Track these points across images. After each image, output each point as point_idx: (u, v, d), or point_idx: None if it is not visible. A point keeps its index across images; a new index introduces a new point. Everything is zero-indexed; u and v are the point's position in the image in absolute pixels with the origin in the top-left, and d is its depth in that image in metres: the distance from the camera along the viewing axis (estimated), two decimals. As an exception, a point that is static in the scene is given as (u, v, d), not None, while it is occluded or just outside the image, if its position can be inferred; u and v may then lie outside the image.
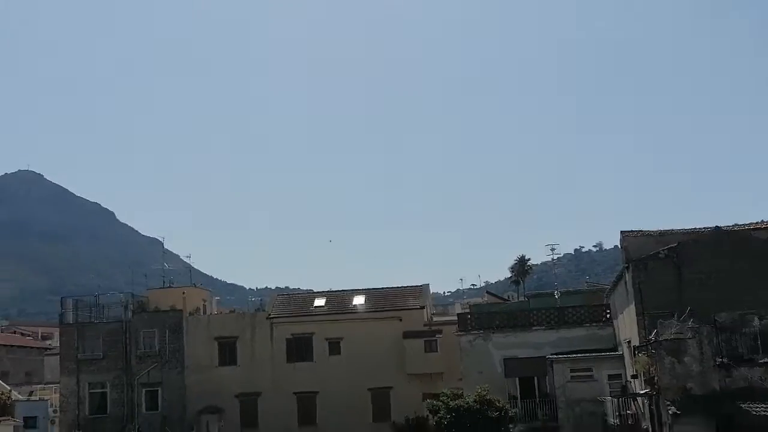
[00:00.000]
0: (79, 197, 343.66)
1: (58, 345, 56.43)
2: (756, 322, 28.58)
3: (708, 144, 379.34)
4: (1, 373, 62.26)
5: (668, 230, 32.87)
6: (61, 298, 57.10)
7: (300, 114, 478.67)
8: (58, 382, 53.38)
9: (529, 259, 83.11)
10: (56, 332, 63.37)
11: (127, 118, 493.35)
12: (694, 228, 32.61)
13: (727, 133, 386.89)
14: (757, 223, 31.90)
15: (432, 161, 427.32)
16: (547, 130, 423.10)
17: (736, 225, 32.01)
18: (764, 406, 23.87)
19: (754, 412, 23.59)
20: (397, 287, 54.72)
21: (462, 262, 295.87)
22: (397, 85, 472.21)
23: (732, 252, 30.22)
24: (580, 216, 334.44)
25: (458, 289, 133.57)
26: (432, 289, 63.18)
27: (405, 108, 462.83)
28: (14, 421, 46.53)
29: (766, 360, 26.55)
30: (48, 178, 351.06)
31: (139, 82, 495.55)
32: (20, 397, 53.44)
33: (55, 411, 53.03)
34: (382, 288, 54.89)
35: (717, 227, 31.55)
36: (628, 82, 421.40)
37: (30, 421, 48.86)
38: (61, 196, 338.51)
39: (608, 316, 41.19)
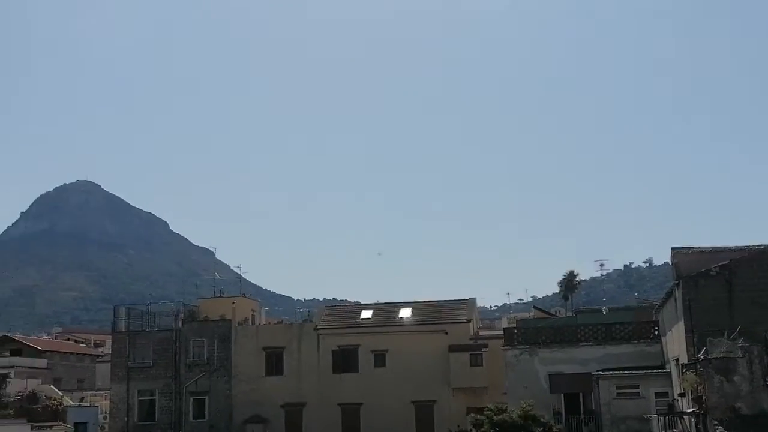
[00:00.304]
0: (134, 207, 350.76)
1: (110, 352, 57.48)
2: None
3: (761, 160, 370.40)
4: (54, 379, 63.62)
5: (720, 247, 32.26)
6: (114, 306, 58.39)
7: (357, 129, 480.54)
8: (108, 389, 54.32)
9: (577, 274, 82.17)
10: (108, 340, 64.61)
11: (181, 129, 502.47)
12: (747, 245, 31.96)
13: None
14: (810, 240, 31.14)
15: (479, 175, 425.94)
16: (601, 144, 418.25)
17: (788, 242, 31.30)
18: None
19: (803, 433, 23.07)
20: (444, 300, 54.63)
21: (509, 276, 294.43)
22: (444, 96, 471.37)
23: (785, 270, 29.53)
24: (630, 231, 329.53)
25: (505, 304, 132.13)
26: (479, 303, 62.90)
27: (448, 122, 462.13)
28: (65, 426, 47.61)
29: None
30: (105, 188, 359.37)
31: (194, 94, 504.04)
32: (72, 403, 54.50)
33: (105, 417, 54.04)
34: (429, 301, 54.87)
35: (770, 245, 30.88)
36: (694, 99, 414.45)
37: (80, 427, 49.86)
38: (117, 205, 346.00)
39: (656, 332, 40.53)
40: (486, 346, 48.08)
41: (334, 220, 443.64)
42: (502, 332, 45.92)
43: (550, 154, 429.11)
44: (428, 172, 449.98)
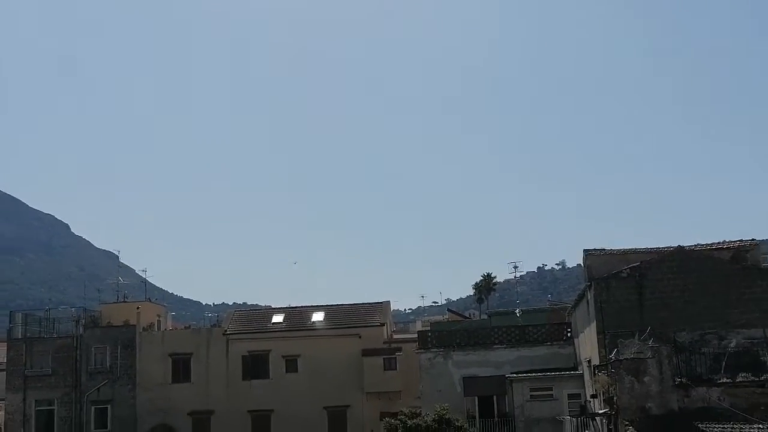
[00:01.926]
0: (32, 208, 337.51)
1: (5, 360, 54.89)
2: (715, 342, 28.65)
3: (671, 163, 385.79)
4: (-57, 388, 60.07)
5: (631, 249, 32.85)
6: (10, 311, 55.92)
7: (261, 124, 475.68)
8: (3, 399, 51.76)
9: (495, 277, 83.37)
10: (3, 347, 61.62)
11: (81, 127, 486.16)
12: (657, 247, 32.62)
13: (690, 154, 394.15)
14: (719, 243, 32.03)
15: (395, 177, 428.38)
16: (510, 147, 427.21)
17: (698, 245, 32.05)
18: (721, 426, 23.75)
19: (712, 433, 23.49)
20: (357, 304, 54.26)
21: (423, 279, 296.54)
22: (376, 90, 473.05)
23: (694, 272, 30.23)
24: (543, 234, 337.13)
25: (419, 307, 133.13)
26: (393, 307, 62.84)
27: (374, 121, 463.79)
28: (-45, 439, 44.87)
29: (724, 380, 26.46)
30: (1, 189, 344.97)
31: (97, 86, 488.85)
32: (-38, 414, 51.60)
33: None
34: (342, 304, 54.30)
35: (680, 247, 31.53)
36: (594, 97, 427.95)
37: (-28, 440, 47.14)
38: (14, 207, 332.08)
39: (569, 334, 41.05)
40: (400, 349, 47.88)
41: (244, 224, 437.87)
42: (416, 336, 45.74)
43: (460, 156, 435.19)
44: (344, 175, 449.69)
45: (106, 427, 48.94)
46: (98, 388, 49.06)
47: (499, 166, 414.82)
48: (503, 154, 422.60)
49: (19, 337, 50.98)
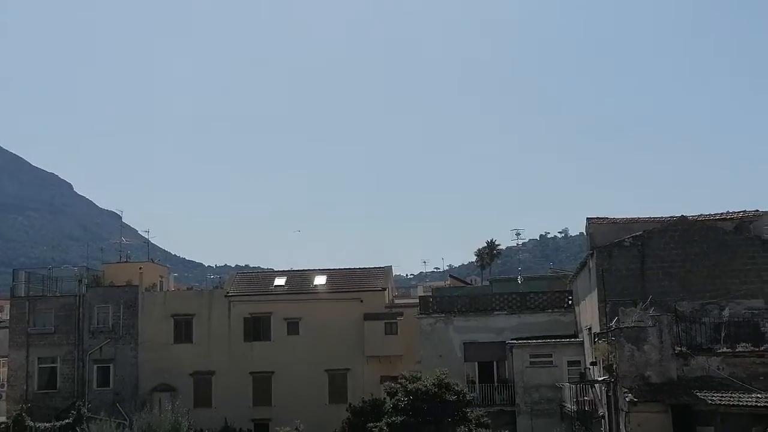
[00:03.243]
0: (36, 167, 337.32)
1: (8, 318, 55.21)
2: (716, 312, 28.72)
3: (675, 133, 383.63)
4: (-53, 345, 60.57)
5: (634, 218, 32.79)
6: (13, 270, 56.17)
7: (279, 89, 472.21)
8: (6, 356, 52.17)
9: (498, 244, 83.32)
10: (7, 305, 61.98)
11: (85, 85, 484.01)
12: (660, 217, 32.55)
13: (696, 123, 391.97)
14: (722, 213, 31.92)
15: (399, 145, 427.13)
16: (512, 112, 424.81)
17: (701, 215, 31.97)
18: (720, 395, 23.86)
19: (710, 401, 23.60)
20: (360, 268, 54.34)
21: (425, 245, 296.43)
22: (373, 67, 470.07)
23: (696, 242, 30.22)
24: (546, 202, 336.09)
25: (421, 272, 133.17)
26: (395, 272, 62.99)
27: (375, 92, 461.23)
28: (-40, 394, 45.35)
29: (724, 350, 26.55)
30: (4, 147, 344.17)
31: (99, 46, 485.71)
32: (-34, 370, 52.16)
33: (2, 385, 51.97)
34: (344, 269, 54.42)
35: (683, 217, 31.45)
36: (592, 64, 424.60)
37: (-24, 395, 47.61)
38: (17, 165, 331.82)
39: (570, 302, 41.19)
40: (401, 314, 48.05)
41: (248, 186, 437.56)
42: (417, 301, 45.91)
43: (466, 121, 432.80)
44: (348, 140, 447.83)
45: (109, 386, 49.23)
46: (100, 347, 49.32)
47: (501, 132, 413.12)
48: (505, 119, 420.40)
49: (23, 295, 51.14)
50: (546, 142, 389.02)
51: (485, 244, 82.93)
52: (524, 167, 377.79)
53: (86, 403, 46.35)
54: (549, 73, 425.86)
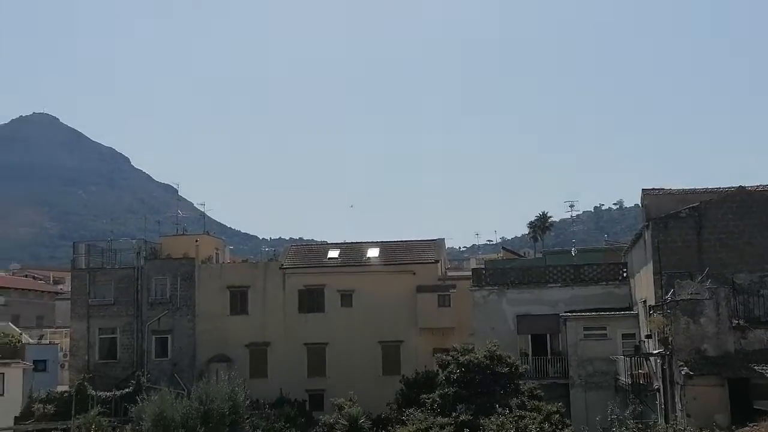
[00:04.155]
0: (94, 141, 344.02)
1: (70, 290, 56.55)
2: (775, 284, 28.09)
3: (733, 103, 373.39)
4: (12, 316, 62.58)
5: (690, 189, 32.18)
6: (74, 242, 57.15)
7: (333, 71, 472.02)
8: (68, 327, 53.55)
9: (551, 216, 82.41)
10: (68, 277, 63.55)
11: (143, 62, 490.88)
12: (717, 187, 31.84)
13: (753, 93, 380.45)
14: (782, 183, 31.10)
15: (450, 119, 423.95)
16: (571, 85, 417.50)
17: (760, 185, 31.17)
18: (778, 369, 23.43)
19: (768, 375, 23.19)
20: (412, 241, 54.39)
21: (479, 217, 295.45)
22: (410, 48, 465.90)
23: (755, 212, 29.57)
24: (600, 174, 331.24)
25: (474, 245, 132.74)
26: (447, 244, 62.81)
27: (416, 67, 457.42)
28: (24, 364, 46.78)
29: (783, 323, 26.03)
30: (64, 122, 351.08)
31: (156, 27, 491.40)
32: (31, 340, 53.66)
33: (65, 355, 53.35)
34: (397, 241, 54.48)
35: (741, 187, 30.70)
36: (674, 40, 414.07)
37: (40, 365, 48.97)
38: (76, 140, 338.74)
39: (625, 274, 40.65)
40: (454, 286, 47.99)
41: (303, 159, 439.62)
42: (470, 273, 45.80)
43: (520, 95, 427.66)
44: (407, 116, 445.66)
45: (167, 356, 50.15)
46: (158, 318, 50.18)
47: (556, 105, 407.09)
48: (559, 89, 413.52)
49: (83, 267, 52.08)
50: (602, 112, 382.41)
51: (537, 216, 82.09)
52: (579, 139, 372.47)
53: (146, 373, 47.40)
54: (609, 45, 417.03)
